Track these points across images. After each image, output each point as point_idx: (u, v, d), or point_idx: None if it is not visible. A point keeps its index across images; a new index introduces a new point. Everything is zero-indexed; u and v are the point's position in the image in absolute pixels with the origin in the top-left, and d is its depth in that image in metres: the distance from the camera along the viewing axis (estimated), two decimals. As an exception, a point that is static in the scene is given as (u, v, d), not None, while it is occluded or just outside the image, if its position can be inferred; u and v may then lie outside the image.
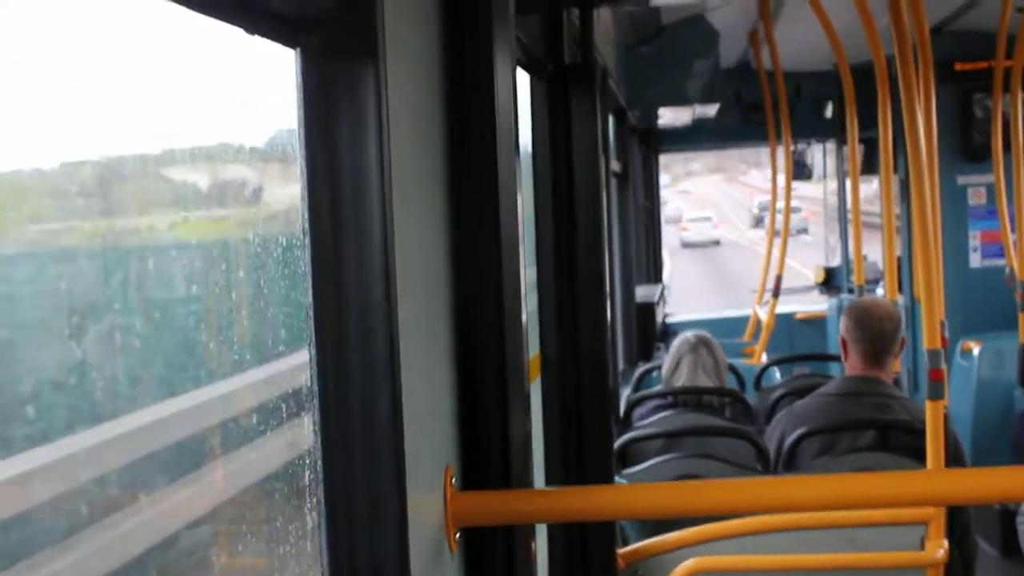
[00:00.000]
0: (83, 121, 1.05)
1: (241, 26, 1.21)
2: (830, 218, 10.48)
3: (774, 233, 7.87)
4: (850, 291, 8.08)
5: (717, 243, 40.51)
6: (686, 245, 39.01)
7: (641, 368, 5.86)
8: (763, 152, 9.87)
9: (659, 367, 5.11)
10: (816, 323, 8.85)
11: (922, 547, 2.99)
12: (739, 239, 40.63)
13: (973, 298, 7.09)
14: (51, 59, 0.99)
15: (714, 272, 30.24)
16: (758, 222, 43.56)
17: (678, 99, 6.93)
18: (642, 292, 7.55)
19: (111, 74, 1.10)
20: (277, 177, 1.44)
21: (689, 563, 2.94)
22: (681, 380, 4.39)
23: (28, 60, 0.94)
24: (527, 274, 1.88)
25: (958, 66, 7.10)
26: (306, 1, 1.30)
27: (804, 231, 32.37)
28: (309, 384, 1.36)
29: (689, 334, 4.53)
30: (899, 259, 6.85)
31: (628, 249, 7.28)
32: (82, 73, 1.05)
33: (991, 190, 6.85)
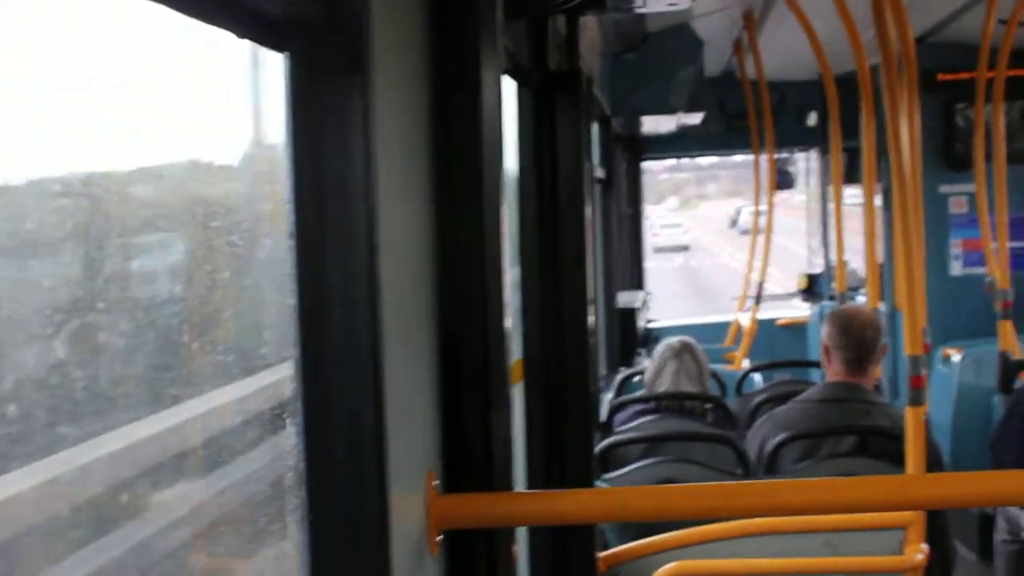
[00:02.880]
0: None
1: (231, 30, 1.23)
2: (812, 226, 10.53)
3: (756, 239, 7.91)
4: (831, 298, 8.12)
5: (686, 248, 44.27)
6: (658, 250, 41.78)
7: (623, 373, 5.88)
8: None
9: (641, 373, 5.13)
10: (797, 329, 8.89)
11: (901, 551, 3.01)
12: (709, 246, 45.48)
13: (954, 306, 7.13)
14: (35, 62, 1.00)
15: (679, 267, 37.26)
16: (734, 223, 49.59)
17: (662, 107, 6.96)
18: (624, 298, 7.58)
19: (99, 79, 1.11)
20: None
21: (670, 567, 2.95)
22: (664, 386, 4.40)
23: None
24: (510, 280, 1.89)
25: (941, 77, 7.14)
26: (295, 6, 1.31)
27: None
28: (293, 387, 1.37)
29: (673, 340, 4.54)
30: (881, 267, 6.89)
31: (611, 255, 7.30)
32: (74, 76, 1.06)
33: (972, 199, 6.89)
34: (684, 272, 35.37)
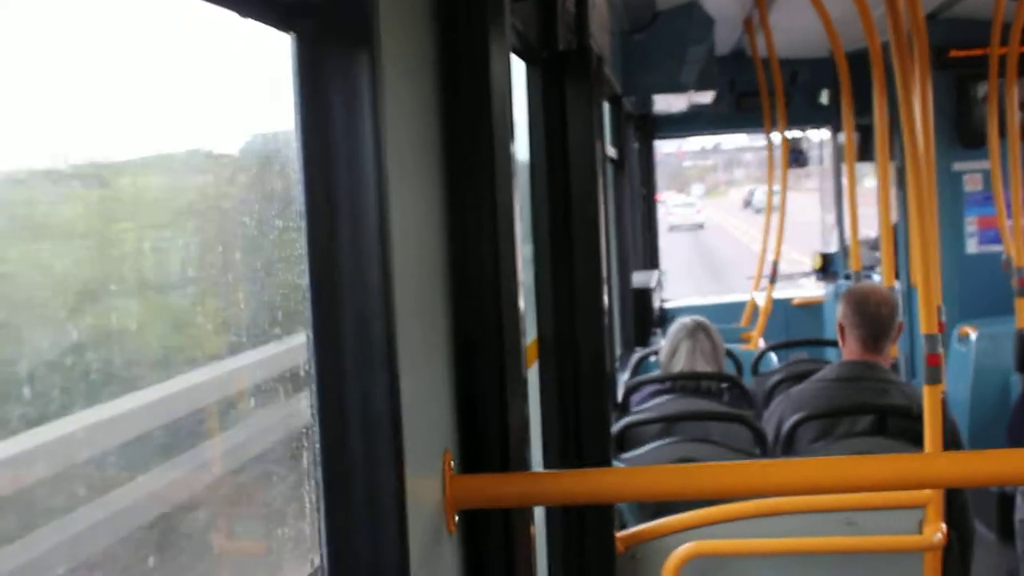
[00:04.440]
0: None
1: (235, 10, 1.22)
2: (826, 204, 10.49)
3: (770, 218, 7.88)
4: (847, 277, 8.09)
5: (700, 226, 46.12)
6: (672, 228, 43.09)
7: (638, 353, 5.87)
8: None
9: (656, 352, 5.12)
10: (813, 309, 8.86)
11: (920, 531, 3.00)
12: (720, 223, 47.41)
13: (970, 284, 7.10)
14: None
15: (694, 243, 38.80)
16: (747, 204, 51.98)
17: (673, 86, 6.93)
18: (639, 278, 7.56)
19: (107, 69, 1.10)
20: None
21: (687, 546, 2.95)
22: (679, 366, 4.39)
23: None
24: (523, 259, 1.88)
25: (953, 53, 7.09)
26: None
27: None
28: (307, 368, 1.37)
29: (686, 319, 4.53)
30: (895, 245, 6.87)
31: (624, 235, 7.28)
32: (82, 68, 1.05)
33: (987, 176, 6.85)
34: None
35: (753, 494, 2.77)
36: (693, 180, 64.13)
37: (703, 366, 4.39)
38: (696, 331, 4.43)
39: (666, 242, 10.33)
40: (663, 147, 9.66)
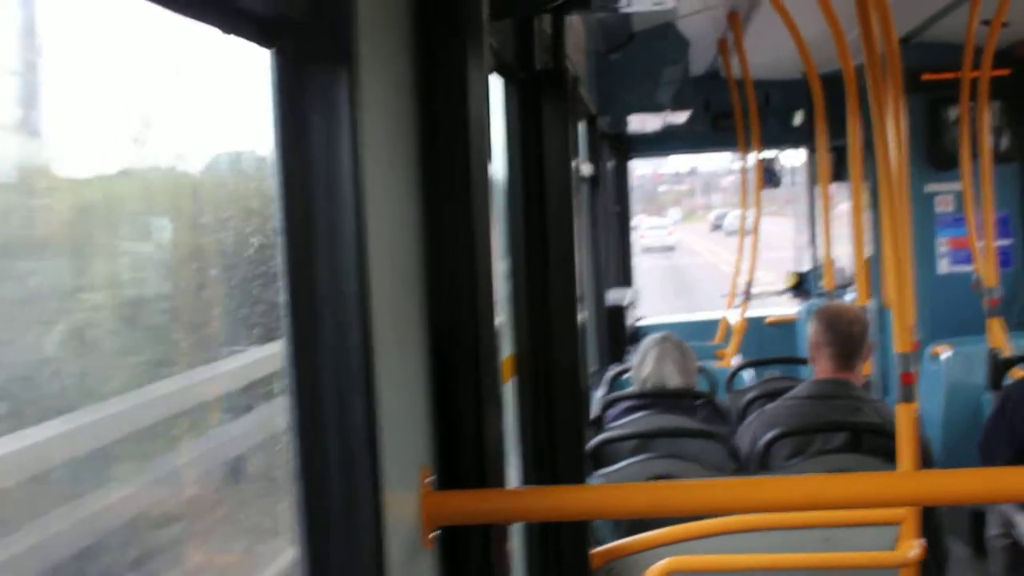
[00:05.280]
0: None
1: (217, 26, 1.22)
2: (800, 225, 10.55)
3: (744, 239, 7.92)
4: (820, 296, 8.13)
5: (672, 248, 48.24)
6: (645, 250, 44.37)
7: (613, 370, 5.88)
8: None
9: (630, 369, 5.13)
10: (786, 327, 8.91)
11: (895, 547, 3.01)
12: (691, 245, 49.47)
13: (941, 303, 7.16)
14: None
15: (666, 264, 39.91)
16: (716, 228, 53.89)
17: (648, 106, 6.97)
18: (613, 295, 7.58)
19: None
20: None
21: (663, 563, 2.95)
22: (647, 370, 4.39)
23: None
24: (499, 276, 1.89)
25: (926, 76, 7.17)
26: (282, 3, 1.31)
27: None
28: (284, 383, 1.37)
29: (657, 334, 4.57)
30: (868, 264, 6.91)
31: (599, 253, 7.30)
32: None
33: (958, 198, 6.92)
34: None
35: (728, 511, 2.78)
36: (669, 205, 64.10)
37: (671, 372, 4.39)
38: (664, 340, 4.46)
39: (638, 263, 10.37)
40: (638, 170, 9.74)
